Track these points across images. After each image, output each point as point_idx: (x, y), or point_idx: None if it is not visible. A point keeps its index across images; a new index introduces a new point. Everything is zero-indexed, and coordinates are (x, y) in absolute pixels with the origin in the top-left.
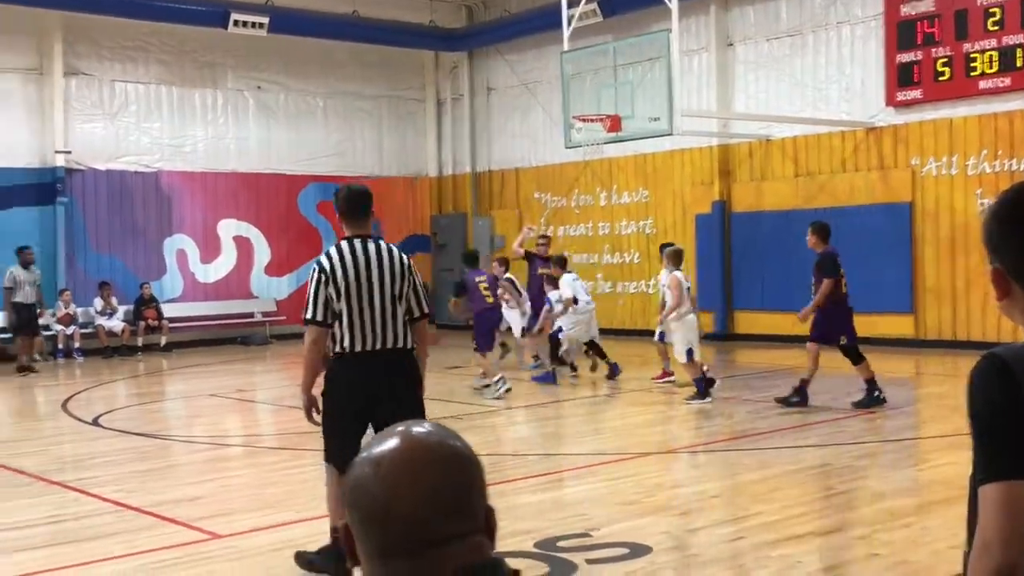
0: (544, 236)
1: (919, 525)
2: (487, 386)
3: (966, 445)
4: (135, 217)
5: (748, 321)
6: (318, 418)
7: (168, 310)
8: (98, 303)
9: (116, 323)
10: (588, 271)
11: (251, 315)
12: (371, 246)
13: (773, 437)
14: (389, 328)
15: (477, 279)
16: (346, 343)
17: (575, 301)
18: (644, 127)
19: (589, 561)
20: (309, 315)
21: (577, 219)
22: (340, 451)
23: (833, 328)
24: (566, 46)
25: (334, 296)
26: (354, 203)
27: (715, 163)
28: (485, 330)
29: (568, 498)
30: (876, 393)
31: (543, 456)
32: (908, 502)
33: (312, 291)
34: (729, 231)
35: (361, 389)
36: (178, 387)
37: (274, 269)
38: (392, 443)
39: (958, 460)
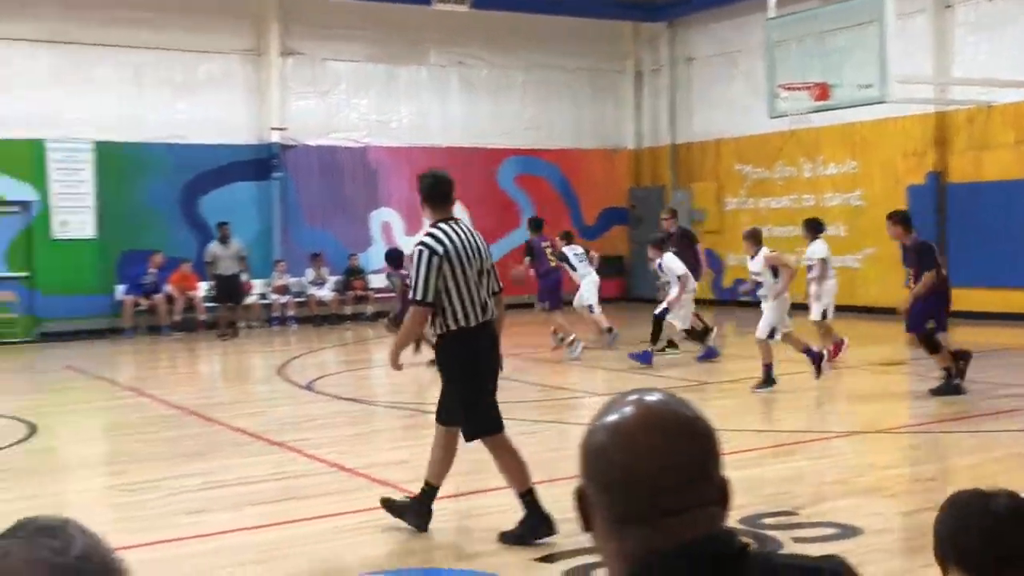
0: (671, 209)
1: None
2: (563, 341)
3: None
4: (344, 191)
5: (965, 298)
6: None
7: (374, 280)
8: (310, 273)
9: (326, 293)
10: (790, 244)
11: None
12: (463, 228)
13: (994, 419)
14: (488, 302)
15: (543, 244)
16: (460, 318)
17: (681, 279)
18: (854, 95)
19: (796, 540)
20: (420, 296)
21: (780, 191)
22: (487, 416)
23: (928, 314)
24: (771, 13)
25: (448, 276)
26: (443, 188)
27: (930, 132)
28: (551, 287)
29: (771, 475)
30: (955, 382)
31: (742, 432)
32: None
33: (424, 273)
34: (944, 204)
35: (486, 358)
36: (384, 355)
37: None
38: (629, 410)
39: None
